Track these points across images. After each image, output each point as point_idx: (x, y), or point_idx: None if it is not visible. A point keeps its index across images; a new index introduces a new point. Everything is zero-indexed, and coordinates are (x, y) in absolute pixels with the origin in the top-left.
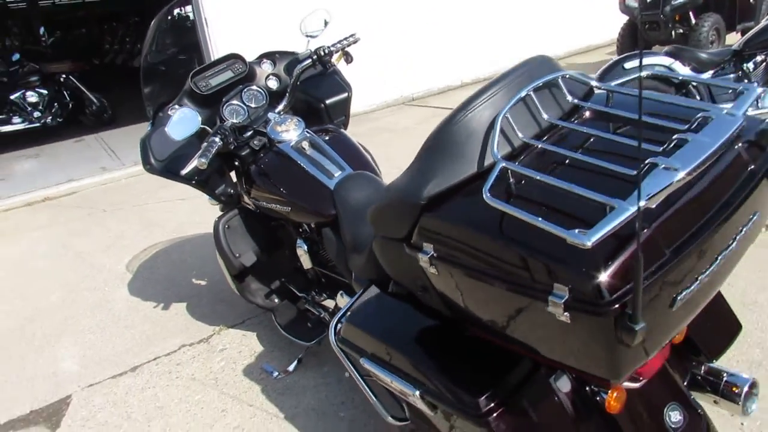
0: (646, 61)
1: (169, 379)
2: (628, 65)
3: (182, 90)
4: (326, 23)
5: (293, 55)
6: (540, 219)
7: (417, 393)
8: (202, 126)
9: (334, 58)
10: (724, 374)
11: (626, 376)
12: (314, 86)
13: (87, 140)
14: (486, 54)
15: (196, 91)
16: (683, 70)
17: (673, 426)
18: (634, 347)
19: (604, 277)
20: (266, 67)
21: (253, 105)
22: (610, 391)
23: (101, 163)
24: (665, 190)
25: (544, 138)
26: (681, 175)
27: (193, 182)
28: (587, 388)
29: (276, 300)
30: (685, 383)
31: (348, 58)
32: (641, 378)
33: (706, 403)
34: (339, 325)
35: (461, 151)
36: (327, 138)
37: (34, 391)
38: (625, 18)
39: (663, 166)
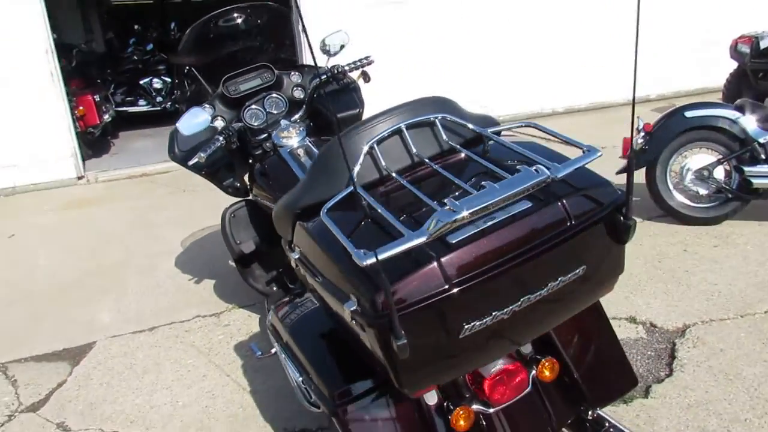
0: (710, 112)
1: (174, 342)
2: (689, 113)
3: (215, 93)
4: (342, 47)
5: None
6: (345, 237)
7: (300, 380)
8: (211, 125)
9: (354, 76)
10: (607, 423)
11: (419, 390)
12: (333, 100)
13: None
14: (585, 83)
15: (225, 94)
16: (750, 126)
17: None
18: (420, 364)
19: (378, 293)
20: (294, 78)
21: (273, 111)
22: (456, 409)
23: None
24: (444, 228)
25: (410, 171)
26: (460, 215)
27: (203, 173)
28: (445, 404)
29: (273, 288)
30: (567, 421)
31: (366, 77)
32: (493, 405)
33: None
34: (270, 312)
35: (334, 171)
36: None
37: (71, 333)
38: (734, 63)
39: (448, 207)
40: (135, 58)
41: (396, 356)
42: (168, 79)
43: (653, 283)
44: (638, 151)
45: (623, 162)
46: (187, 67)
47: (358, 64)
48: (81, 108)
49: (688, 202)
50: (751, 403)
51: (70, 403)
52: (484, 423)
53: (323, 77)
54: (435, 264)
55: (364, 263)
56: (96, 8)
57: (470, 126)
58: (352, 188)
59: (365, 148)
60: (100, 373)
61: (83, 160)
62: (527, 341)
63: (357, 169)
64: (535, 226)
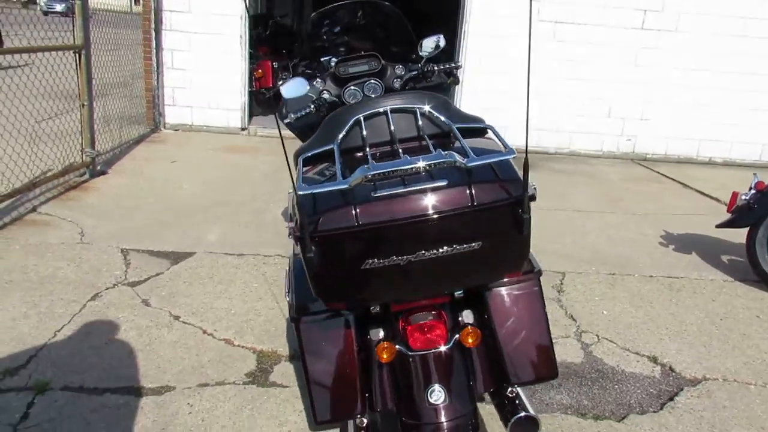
0: None
1: (251, 269)
2: None
3: (328, 71)
4: (438, 47)
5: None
6: (300, 175)
7: (287, 296)
8: (309, 94)
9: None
10: (517, 402)
11: (330, 303)
12: None
13: None
14: (755, 132)
15: (336, 73)
16: None
17: (431, 401)
18: (330, 280)
19: (303, 217)
20: (398, 70)
21: (370, 94)
22: (382, 342)
23: None
24: (358, 180)
25: (381, 145)
26: (369, 173)
27: (295, 132)
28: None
29: None
30: (489, 391)
31: (455, 80)
32: (411, 349)
33: None
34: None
35: (330, 132)
36: None
37: (182, 242)
38: None
39: (367, 166)
40: (324, 37)
41: (310, 267)
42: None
43: (699, 335)
44: (744, 207)
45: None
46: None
47: (448, 67)
48: (260, 71)
49: None
50: None
51: (157, 289)
52: (403, 362)
53: (413, 73)
54: (352, 207)
55: (297, 193)
56: None
57: (442, 119)
58: (332, 145)
59: (351, 121)
60: (188, 274)
61: (250, 115)
62: (427, 293)
63: (341, 134)
64: (442, 199)
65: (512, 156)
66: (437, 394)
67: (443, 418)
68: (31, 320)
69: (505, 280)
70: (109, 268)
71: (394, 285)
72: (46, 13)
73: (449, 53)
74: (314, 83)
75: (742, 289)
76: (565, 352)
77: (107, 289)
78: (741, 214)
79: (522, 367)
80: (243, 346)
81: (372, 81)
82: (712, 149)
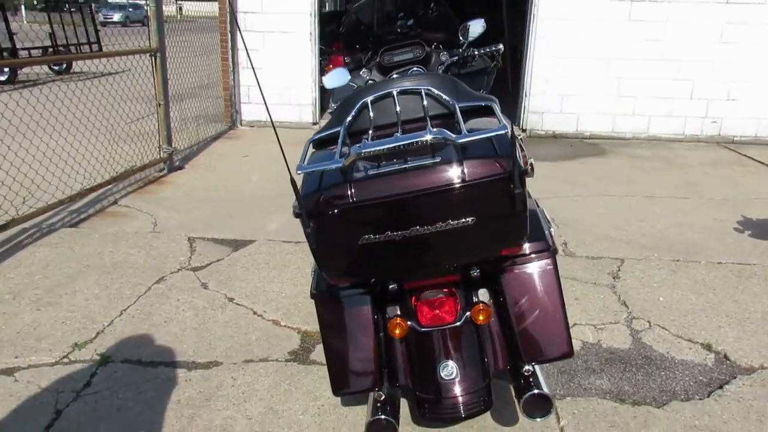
0: None
1: (302, 255)
2: None
3: (375, 60)
4: (480, 33)
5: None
6: (303, 157)
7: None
8: (353, 83)
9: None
10: (531, 380)
11: (335, 278)
12: (468, 79)
13: None
14: None
15: (381, 62)
16: None
17: (443, 376)
18: (331, 255)
19: (301, 196)
20: (443, 57)
21: None
22: (395, 318)
23: None
24: (352, 159)
25: (388, 127)
26: (362, 151)
27: None
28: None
29: None
30: (505, 367)
31: (498, 63)
32: (422, 325)
33: None
34: None
35: (339, 116)
36: None
37: (244, 230)
38: None
39: (359, 145)
40: (398, 30)
41: (310, 242)
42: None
43: (763, 323)
44: None
45: None
46: (434, 43)
47: (488, 51)
48: (331, 66)
49: None
50: None
51: (217, 273)
52: (416, 338)
53: (455, 58)
54: (348, 185)
55: (296, 172)
56: None
57: (446, 98)
58: (340, 128)
59: (359, 104)
60: (246, 260)
61: (321, 110)
62: (431, 269)
63: (349, 118)
64: (434, 175)
65: (504, 131)
66: (449, 369)
67: (455, 393)
68: (101, 300)
69: (520, 258)
70: (175, 254)
71: (391, 260)
72: (104, 24)
73: (520, 36)
74: (361, 73)
75: None
76: (612, 338)
77: (171, 273)
78: None
79: (535, 346)
80: (289, 327)
81: (414, 68)
82: None
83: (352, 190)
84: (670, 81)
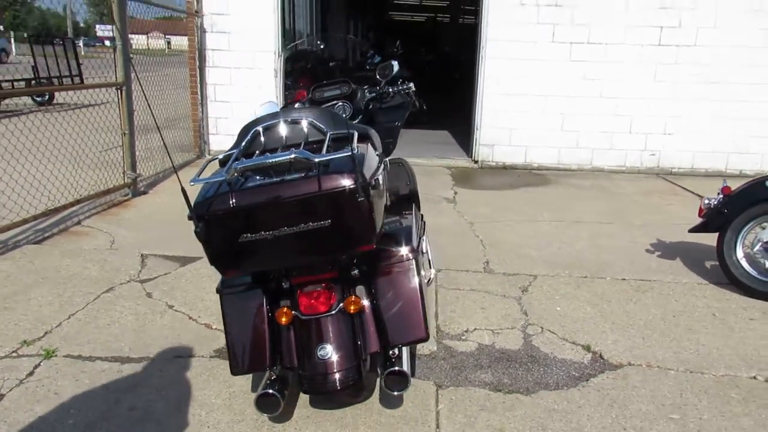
0: None
1: None
2: None
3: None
4: (391, 72)
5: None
6: (200, 170)
7: None
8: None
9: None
10: (395, 360)
11: (225, 272)
12: (386, 113)
13: None
14: None
15: (312, 97)
16: None
17: (320, 356)
18: (219, 251)
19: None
20: (367, 93)
21: (343, 115)
22: (281, 308)
23: None
24: (233, 173)
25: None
26: (239, 166)
27: None
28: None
29: None
30: (377, 350)
31: (413, 100)
32: (302, 314)
33: None
34: None
35: (240, 139)
36: None
37: (196, 249)
38: None
39: (238, 162)
40: (367, 67)
41: (199, 240)
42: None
43: (643, 329)
44: (714, 212)
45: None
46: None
47: (398, 89)
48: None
49: (755, 273)
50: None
51: (162, 285)
52: (299, 325)
53: (373, 94)
54: (230, 194)
55: (189, 184)
56: (362, 20)
57: (321, 126)
58: (235, 150)
59: (251, 133)
60: (191, 274)
61: None
62: (300, 262)
63: (244, 142)
64: (297, 186)
65: (347, 153)
66: (325, 351)
67: (328, 370)
68: (53, 306)
69: (387, 260)
70: (126, 268)
71: (267, 254)
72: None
73: (470, 77)
74: (296, 106)
75: (711, 291)
76: (506, 341)
77: (121, 284)
78: (711, 219)
79: (397, 331)
80: (218, 329)
81: (340, 103)
82: (742, 162)
83: (234, 198)
84: (610, 116)
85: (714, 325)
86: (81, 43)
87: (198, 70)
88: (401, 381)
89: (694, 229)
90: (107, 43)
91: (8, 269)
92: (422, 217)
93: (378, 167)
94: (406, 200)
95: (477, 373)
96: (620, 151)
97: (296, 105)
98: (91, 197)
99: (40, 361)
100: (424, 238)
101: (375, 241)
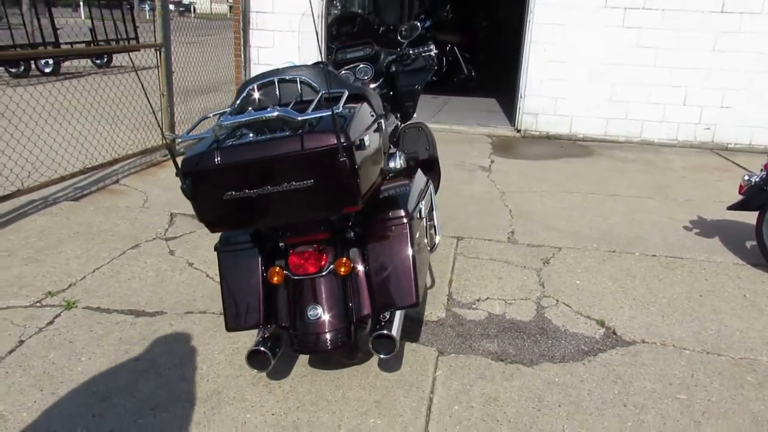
0: None
1: None
2: None
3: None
4: (414, 33)
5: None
6: (191, 128)
7: None
8: None
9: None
10: (384, 323)
11: (213, 228)
12: (407, 76)
13: (439, 99)
14: None
15: (335, 59)
16: None
17: (310, 316)
18: (207, 208)
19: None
20: (390, 55)
21: (361, 76)
22: (273, 267)
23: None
24: (219, 132)
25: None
26: (224, 123)
27: None
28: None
29: None
30: (369, 314)
31: (434, 63)
32: (293, 273)
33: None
34: None
35: (236, 97)
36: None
37: None
38: None
39: (222, 119)
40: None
41: (186, 196)
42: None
43: (664, 307)
44: (755, 189)
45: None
46: (449, 45)
47: (418, 51)
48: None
49: None
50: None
51: (185, 243)
52: (291, 285)
53: (393, 57)
54: (216, 152)
55: (176, 141)
56: None
57: (314, 85)
58: (229, 108)
59: (245, 92)
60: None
61: None
62: (285, 221)
63: (238, 101)
64: (281, 145)
65: (327, 113)
66: (315, 311)
67: (318, 330)
68: (81, 260)
69: (381, 223)
70: (155, 226)
71: (252, 213)
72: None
73: (516, 43)
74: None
75: (746, 272)
76: (518, 311)
77: (147, 241)
78: (751, 196)
79: (387, 296)
80: None
81: (361, 65)
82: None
83: (218, 156)
84: (664, 87)
85: (743, 307)
86: (147, 7)
87: (242, 32)
88: (388, 344)
89: (733, 207)
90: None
91: (45, 224)
92: (428, 182)
93: (368, 128)
94: (425, 165)
95: (482, 342)
96: (672, 124)
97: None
98: (129, 156)
99: (61, 312)
100: (432, 203)
101: (360, 202)
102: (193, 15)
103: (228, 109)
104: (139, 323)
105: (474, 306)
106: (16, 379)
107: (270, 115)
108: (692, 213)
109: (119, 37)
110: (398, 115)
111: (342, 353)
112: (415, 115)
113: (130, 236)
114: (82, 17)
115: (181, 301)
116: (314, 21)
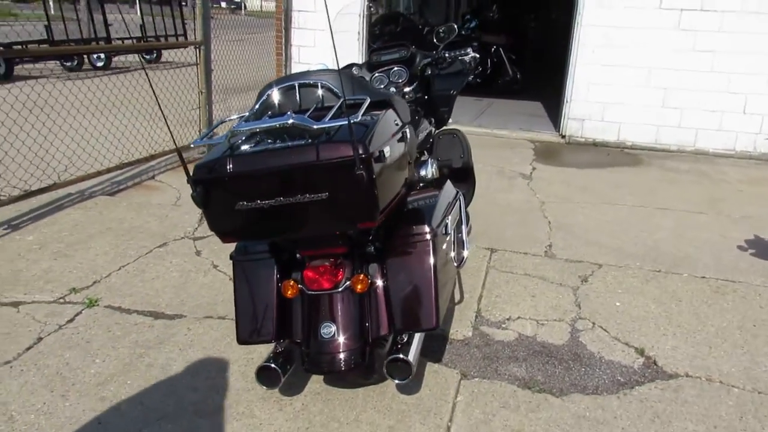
0: None
1: None
2: None
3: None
4: (450, 35)
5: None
6: (207, 131)
7: None
8: None
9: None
10: (401, 345)
11: (223, 238)
12: (442, 80)
13: (482, 102)
14: None
15: (369, 61)
16: None
17: (323, 334)
18: (217, 217)
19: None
20: (425, 58)
21: (396, 79)
22: (287, 281)
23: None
24: (232, 137)
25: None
26: (238, 129)
27: None
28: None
29: None
30: (387, 334)
31: (473, 67)
32: (307, 288)
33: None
34: None
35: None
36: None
37: None
38: None
39: (236, 125)
40: (462, 33)
41: (197, 205)
42: (477, 56)
43: (712, 336)
44: None
45: None
46: (494, 46)
47: (455, 54)
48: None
49: None
50: None
51: (212, 243)
52: (305, 300)
53: (427, 60)
54: (229, 159)
55: (192, 145)
56: None
57: (336, 91)
58: (248, 113)
59: (265, 95)
60: None
61: None
62: (296, 234)
63: (257, 105)
64: (296, 155)
65: (343, 122)
66: (329, 329)
67: (331, 350)
68: (108, 257)
69: (402, 239)
70: (184, 225)
71: (265, 224)
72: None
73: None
74: (353, 70)
75: None
76: (550, 333)
77: (175, 240)
78: None
79: (404, 317)
80: None
81: (396, 68)
82: None
83: (231, 164)
84: (721, 94)
85: None
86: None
87: (284, 31)
88: (403, 369)
89: None
90: (223, 5)
91: (78, 218)
92: (457, 194)
93: (391, 137)
94: (460, 173)
95: (509, 366)
96: (729, 133)
97: (354, 69)
98: (166, 153)
99: (82, 309)
100: (462, 216)
101: (377, 218)
102: (243, 12)
103: (246, 114)
104: (157, 326)
105: (503, 325)
106: (29, 378)
107: (284, 122)
108: (748, 231)
109: (167, 33)
110: (432, 120)
111: (357, 373)
112: (451, 120)
113: (159, 234)
114: (139, 13)
115: (201, 305)
116: (360, 20)
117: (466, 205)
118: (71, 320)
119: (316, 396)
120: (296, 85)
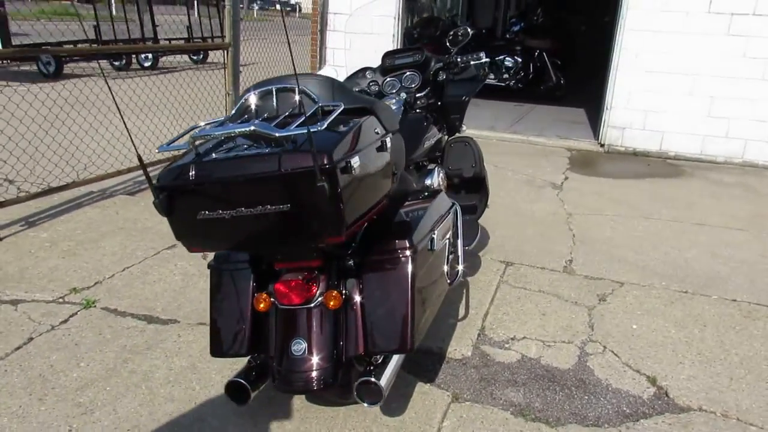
0: None
1: None
2: None
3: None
4: (462, 40)
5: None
6: (175, 138)
7: None
8: (358, 82)
9: (473, 70)
10: (374, 367)
11: (191, 248)
12: (454, 86)
13: (523, 107)
14: None
15: (383, 65)
16: None
17: (294, 351)
18: (181, 227)
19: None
20: (438, 63)
21: (408, 84)
22: (258, 294)
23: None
24: (196, 142)
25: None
26: (198, 134)
27: None
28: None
29: None
30: (362, 353)
31: (486, 73)
32: (279, 302)
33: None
34: None
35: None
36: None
37: None
38: None
39: (196, 130)
40: (507, 36)
41: (159, 212)
42: (520, 60)
43: (734, 367)
44: None
45: None
46: (538, 51)
47: (467, 58)
48: None
49: None
50: None
51: None
52: (277, 315)
53: (440, 64)
54: (192, 166)
55: (158, 151)
56: None
57: (313, 97)
58: (226, 116)
59: (243, 99)
60: None
61: None
62: (261, 246)
63: (234, 110)
64: (258, 164)
65: (303, 130)
66: (300, 346)
67: (300, 368)
68: (115, 257)
69: (379, 254)
70: None
71: (228, 235)
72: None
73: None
74: (366, 73)
75: None
76: (556, 356)
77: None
78: None
79: (377, 337)
80: None
81: (408, 72)
82: None
83: (193, 171)
84: None
85: None
86: (256, 6)
87: (319, 33)
88: (374, 392)
89: None
90: (277, 6)
91: (94, 216)
92: (452, 206)
93: (366, 147)
94: (471, 184)
95: (506, 390)
96: None
97: (368, 72)
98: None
99: (78, 311)
100: (458, 229)
101: (343, 233)
102: (297, 15)
103: (221, 119)
104: (149, 331)
105: (507, 345)
106: (11, 380)
107: (245, 129)
108: None
109: (213, 34)
110: (444, 127)
111: (331, 393)
112: (486, 126)
113: (169, 236)
114: (196, 14)
115: (197, 310)
116: (395, 22)
117: (478, 217)
118: (65, 321)
119: (295, 413)
120: (273, 89)
